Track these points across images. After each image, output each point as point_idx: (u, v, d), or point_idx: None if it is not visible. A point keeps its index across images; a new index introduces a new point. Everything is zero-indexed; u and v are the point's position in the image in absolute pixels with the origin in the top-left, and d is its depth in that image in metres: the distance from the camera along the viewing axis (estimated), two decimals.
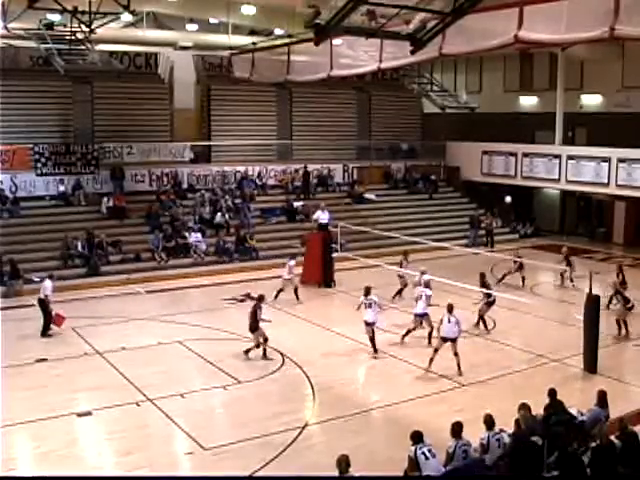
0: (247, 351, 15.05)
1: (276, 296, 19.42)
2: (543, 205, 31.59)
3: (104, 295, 20.35)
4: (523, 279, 21.08)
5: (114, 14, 18.50)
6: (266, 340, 15.08)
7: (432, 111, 32.89)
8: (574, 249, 25.86)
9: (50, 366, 14.64)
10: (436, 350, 14.22)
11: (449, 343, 14.08)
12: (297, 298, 19.62)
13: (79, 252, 22.27)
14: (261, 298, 15.58)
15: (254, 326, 15.07)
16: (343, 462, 8.04)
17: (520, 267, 20.94)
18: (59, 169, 24.77)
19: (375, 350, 15.22)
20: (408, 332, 15.91)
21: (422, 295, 15.80)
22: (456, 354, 14.03)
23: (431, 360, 14.13)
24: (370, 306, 15.28)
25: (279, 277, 20.18)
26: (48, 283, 17.25)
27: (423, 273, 17.21)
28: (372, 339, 15.25)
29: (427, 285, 16.48)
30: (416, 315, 15.81)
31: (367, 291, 15.58)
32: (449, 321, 14.09)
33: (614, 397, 10.46)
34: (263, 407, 12.62)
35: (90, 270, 22.00)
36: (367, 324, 15.28)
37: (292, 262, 19.96)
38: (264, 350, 15.06)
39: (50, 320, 16.90)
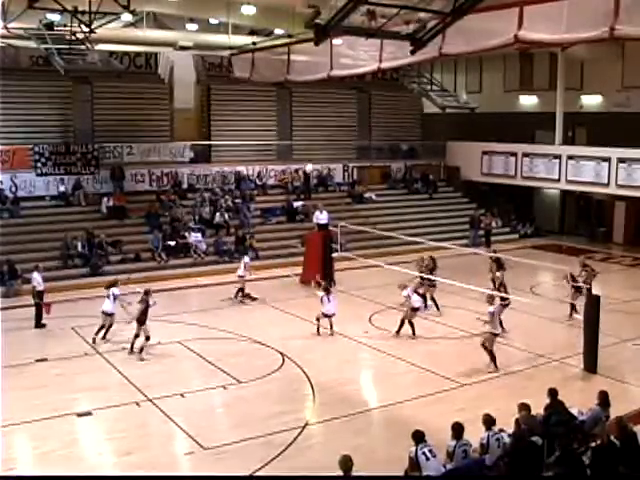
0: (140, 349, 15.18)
1: (236, 295, 19.71)
2: (543, 205, 31.59)
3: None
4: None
5: (114, 14, 18.52)
6: (148, 338, 15.23)
7: (432, 111, 32.90)
8: (574, 249, 25.95)
9: (50, 366, 14.65)
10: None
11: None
12: (235, 296, 19.72)
13: (79, 252, 22.28)
14: (147, 292, 15.63)
15: (142, 320, 15.21)
16: (349, 461, 8.05)
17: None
18: (59, 169, 24.75)
19: None
20: None
21: None
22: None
23: None
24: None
25: (279, 277, 20.21)
26: (36, 275, 17.61)
27: None
28: None
29: None
30: None
31: None
32: (328, 302, 16.40)
33: (614, 397, 10.44)
34: (263, 407, 12.61)
35: (90, 270, 22.00)
36: None
37: (247, 259, 20.18)
38: (132, 345, 15.27)
39: (41, 311, 17.32)
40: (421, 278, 17.88)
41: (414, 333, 16.43)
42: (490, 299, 14.82)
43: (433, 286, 18.48)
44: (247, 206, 26.66)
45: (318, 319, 16.69)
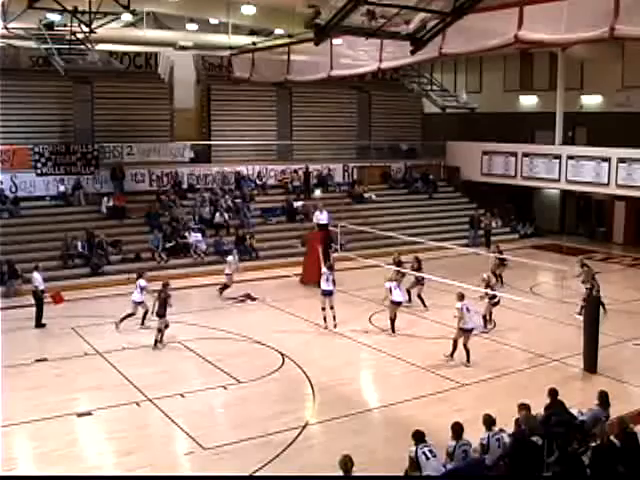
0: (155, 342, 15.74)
1: (221, 291, 20.05)
2: (543, 205, 31.60)
3: (104, 295, 20.34)
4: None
5: (114, 14, 18.50)
6: (167, 326, 15.87)
7: (432, 111, 32.88)
8: (574, 249, 25.93)
9: (50, 366, 14.64)
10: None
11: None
12: (220, 293, 20.07)
13: (79, 252, 22.27)
14: (166, 285, 16.27)
15: (161, 313, 15.76)
16: (349, 461, 8.05)
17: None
18: (59, 169, 24.74)
19: None
20: None
21: None
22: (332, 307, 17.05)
23: None
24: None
25: (279, 277, 20.20)
26: (36, 275, 17.60)
27: None
28: None
29: None
30: None
31: None
32: (326, 280, 17.00)
33: (614, 397, 10.45)
34: (263, 407, 12.61)
35: (90, 270, 22.00)
36: None
37: (230, 257, 20.35)
38: (161, 336, 15.78)
39: (41, 311, 17.29)
40: (398, 272, 18.23)
41: (393, 327, 16.59)
42: (460, 297, 14.80)
43: (421, 284, 18.71)
44: (247, 206, 26.66)
45: (324, 308, 17.00)
